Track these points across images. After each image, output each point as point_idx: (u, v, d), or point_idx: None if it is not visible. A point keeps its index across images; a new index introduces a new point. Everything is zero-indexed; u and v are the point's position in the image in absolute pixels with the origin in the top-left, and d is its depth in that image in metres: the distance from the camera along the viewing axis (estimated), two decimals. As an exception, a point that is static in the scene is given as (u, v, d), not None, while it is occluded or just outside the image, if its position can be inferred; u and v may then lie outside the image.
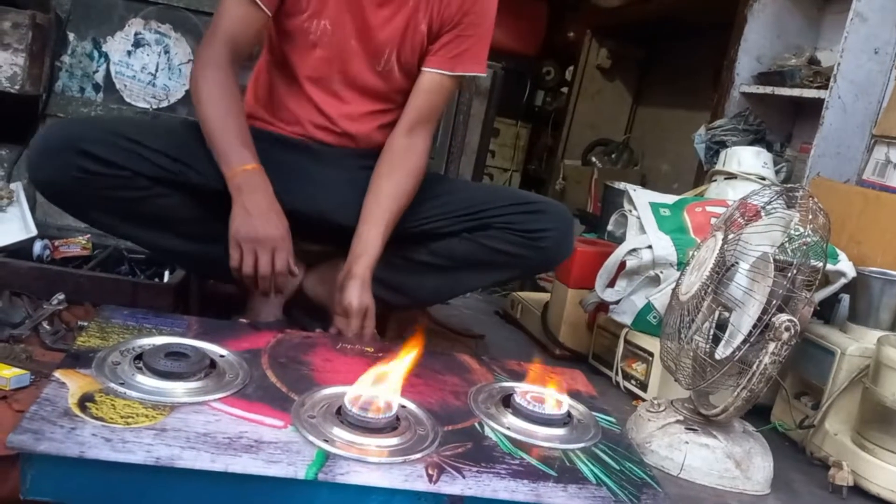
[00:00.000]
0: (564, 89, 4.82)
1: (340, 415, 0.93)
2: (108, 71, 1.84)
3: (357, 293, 1.33)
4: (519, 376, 1.23)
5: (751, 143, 2.47)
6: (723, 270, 1.27)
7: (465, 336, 1.87)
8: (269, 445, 0.85)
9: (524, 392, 1.10)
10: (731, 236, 1.29)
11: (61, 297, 1.35)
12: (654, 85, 4.36)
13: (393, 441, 0.91)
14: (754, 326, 1.20)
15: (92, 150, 1.24)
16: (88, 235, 1.63)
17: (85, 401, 0.86)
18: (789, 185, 1.41)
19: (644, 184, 3.66)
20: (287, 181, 1.38)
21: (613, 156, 4.29)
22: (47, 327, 1.27)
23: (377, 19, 1.43)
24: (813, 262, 1.23)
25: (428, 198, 1.48)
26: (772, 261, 1.21)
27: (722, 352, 1.24)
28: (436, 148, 2.20)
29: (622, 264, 1.72)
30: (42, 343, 1.22)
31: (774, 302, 1.19)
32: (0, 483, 0.88)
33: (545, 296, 2.10)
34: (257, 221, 1.27)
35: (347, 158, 1.50)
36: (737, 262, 1.27)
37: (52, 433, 0.78)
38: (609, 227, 1.96)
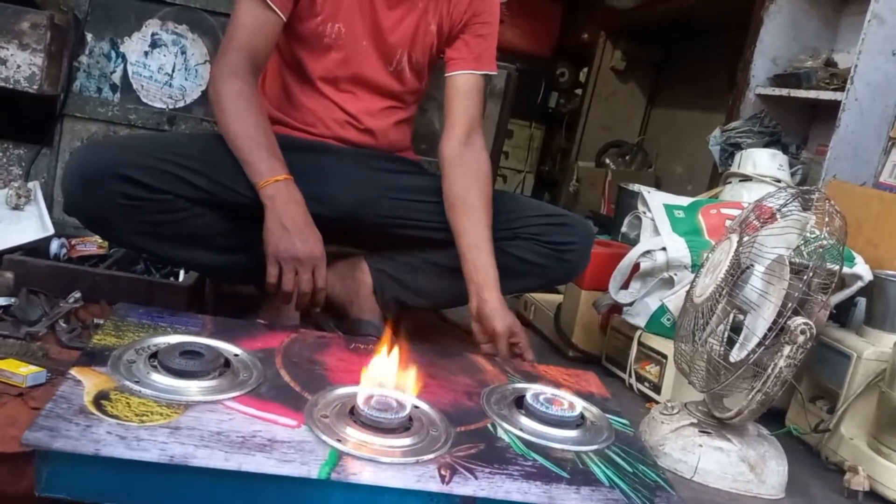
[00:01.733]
0: (578, 91, 4.82)
1: (353, 414, 0.94)
2: (125, 71, 1.85)
3: (501, 316, 1.35)
4: (532, 377, 1.23)
5: (766, 145, 2.46)
6: (738, 273, 1.26)
7: (478, 337, 1.86)
8: (283, 445, 0.85)
9: (537, 393, 1.10)
10: (746, 238, 1.28)
11: (77, 295, 1.36)
12: (668, 86, 4.35)
13: (406, 441, 0.91)
14: (769, 329, 1.19)
15: (134, 175, 1.22)
16: (104, 234, 1.64)
17: (100, 399, 0.87)
18: (805, 188, 1.40)
19: (658, 185, 3.65)
20: (308, 185, 1.39)
21: (627, 157, 4.28)
22: (64, 325, 1.27)
23: (388, 21, 1.44)
24: (829, 265, 1.22)
25: None
26: (787, 263, 1.20)
27: (736, 355, 1.23)
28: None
29: (636, 266, 1.71)
30: (58, 341, 1.23)
31: (790, 305, 1.18)
32: (15, 480, 0.89)
33: (558, 297, 2.10)
34: (296, 239, 1.26)
35: (366, 158, 1.51)
36: (752, 265, 1.27)
37: (67, 431, 0.79)
38: (623, 229, 1.95)
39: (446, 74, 1.52)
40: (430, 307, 1.67)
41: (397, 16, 1.45)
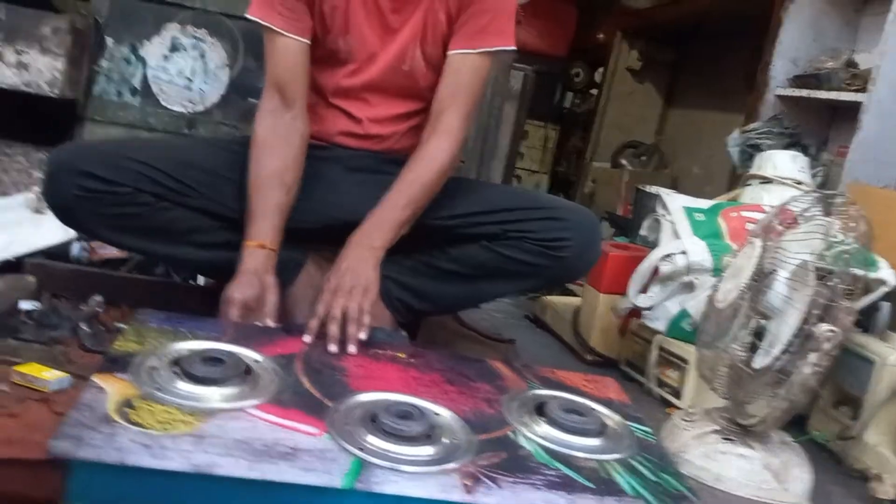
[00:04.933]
0: (594, 91, 4.80)
1: (375, 422, 0.93)
2: (144, 75, 1.87)
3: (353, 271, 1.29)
4: (552, 384, 1.22)
5: (786, 147, 2.43)
6: (761, 278, 1.25)
7: (495, 341, 1.86)
8: (306, 453, 0.85)
9: (558, 401, 1.09)
10: (769, 243, 1.27)
11: (99, 298, 1.37)
12: (685, 86, 4.32)
13: (428, 450, 0.91)
14: (794, 336, 1.17)
15: (91, 169, 1.27)
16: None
17: (123, 406, 0.86)
18: (829, 192, 1.38)
19: (675, 186, 3.62)
20: (313, 193, 1.40)
21: (644, 158, 4.25)
22: (86, 329, 1.28)
23: (397, 22, 1.43)
24: (854, 271, 1.21)
25: (446, 196, 1.45)
26: (812, 269, 1.18)
27: (760, 361, 1.21)
28: (467, 151, 2.19)
29: (656, 270, 1.70)
30: (81, 345, 1.23)
31: (815, 311, 1.16)
32: (39, 486, 0.89)
33: (576, 300, 2.09)
34: (231, 287, 1.27)
35: (369, 161, 1.50)
36: (775, 270, 1.25)
37: (91, 439, 0.79)
38: (642, 232, 1.94)
39: None
40: (435, 311, 1.64)
41: (405, 14, 1.43)
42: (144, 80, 1.86)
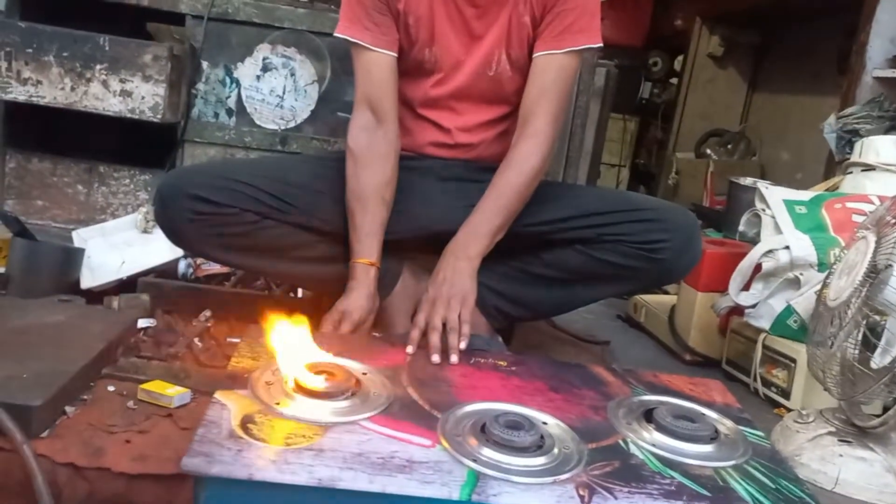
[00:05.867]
0: (673, 80, 4.68)
1: (485, 433, 0.94)
2: (239, 96, 1.93)
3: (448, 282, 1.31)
4: (657, 388, 1.20)
5: (887, 132, 2.31)
6: (876, 274, 1.20)
7: (590, 342, 1.85)
8: (421, 465, 0.86)
9: (667, 406, 1.07)
10: (883, 238, 1.21)
11: (208, 313, 1.43)
12: (771, 71, 4.16)
13: (540, 460, 0.91)
14: (915, 334, 1.12)
15: (200, 193, 1.32)
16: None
17: (247, 422, 0.90)
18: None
19: (763, 175, 3.50)
20: (407, 204, 1.42)
21: (729, 146, 4.12)
22: (199, 344, 1.34)
23: (481, 28, 1.43)
24: (978, 263, 1.14)
25: (538, 201, 1.44)
26: (933, 263, 1.13)
27: (879, 361, 1.16)
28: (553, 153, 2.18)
29: (757, 266, 1.65)
30: (196, 359, 1.29)
31: (938, 308, 1.11)
32: (171, 498, 0.94)
33: (671, 299, 2.05)
34: (349, 301, 1.34)
35: (460, 169, 1.50)
36: (891, 265, 1.20)
37: (221, 456, 0.82)
38: (741, 228, 1.88)
39: None
40: (531, 317, 1.64)
41: (488, 19, 1.43)
42: (239, 100, 1.93)
